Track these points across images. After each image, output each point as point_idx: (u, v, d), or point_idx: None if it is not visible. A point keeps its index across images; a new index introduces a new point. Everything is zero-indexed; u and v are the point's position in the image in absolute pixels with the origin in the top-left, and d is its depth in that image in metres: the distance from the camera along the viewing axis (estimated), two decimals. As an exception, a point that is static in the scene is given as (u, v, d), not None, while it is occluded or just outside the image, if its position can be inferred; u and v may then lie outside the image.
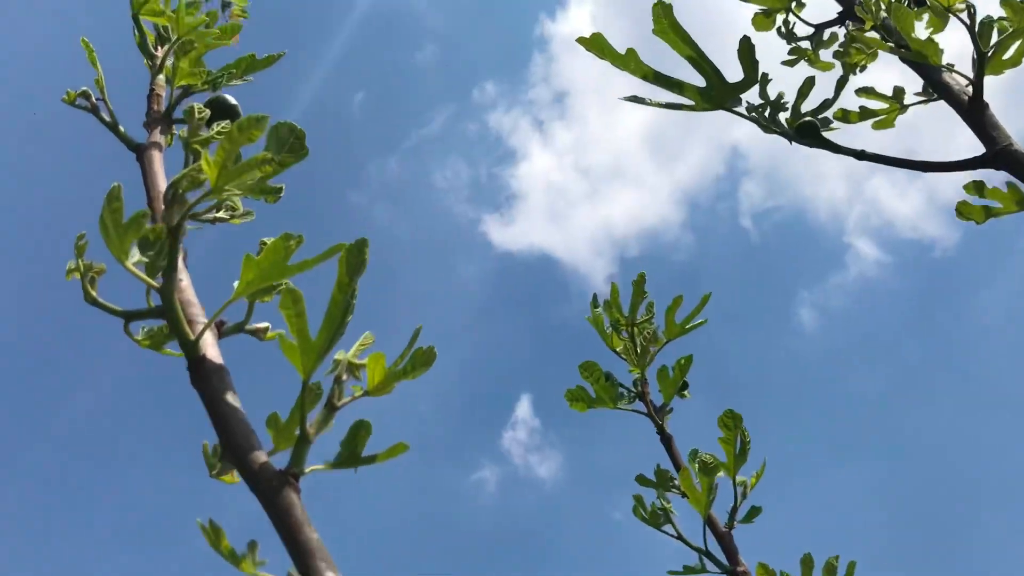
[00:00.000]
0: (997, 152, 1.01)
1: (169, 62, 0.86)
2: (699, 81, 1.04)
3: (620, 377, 1.42)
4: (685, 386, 1.39)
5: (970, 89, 1.06)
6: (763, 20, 1.50)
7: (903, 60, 1.17)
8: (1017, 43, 1.03)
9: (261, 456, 0.52)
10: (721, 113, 1.06)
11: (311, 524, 0.49)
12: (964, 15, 1.04)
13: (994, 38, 1.02)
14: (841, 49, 1.46)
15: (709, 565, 1.23)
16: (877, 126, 1.28)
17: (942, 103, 1.14)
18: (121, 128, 0.80)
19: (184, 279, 0.62)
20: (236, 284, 0.57)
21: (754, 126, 1.10)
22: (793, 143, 1.11)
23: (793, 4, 1.51)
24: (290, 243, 0.55)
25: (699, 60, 1.02)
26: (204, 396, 0.55)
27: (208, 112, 0.72)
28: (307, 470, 0.52)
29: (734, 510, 1.25)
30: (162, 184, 0.72)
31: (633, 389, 1.41)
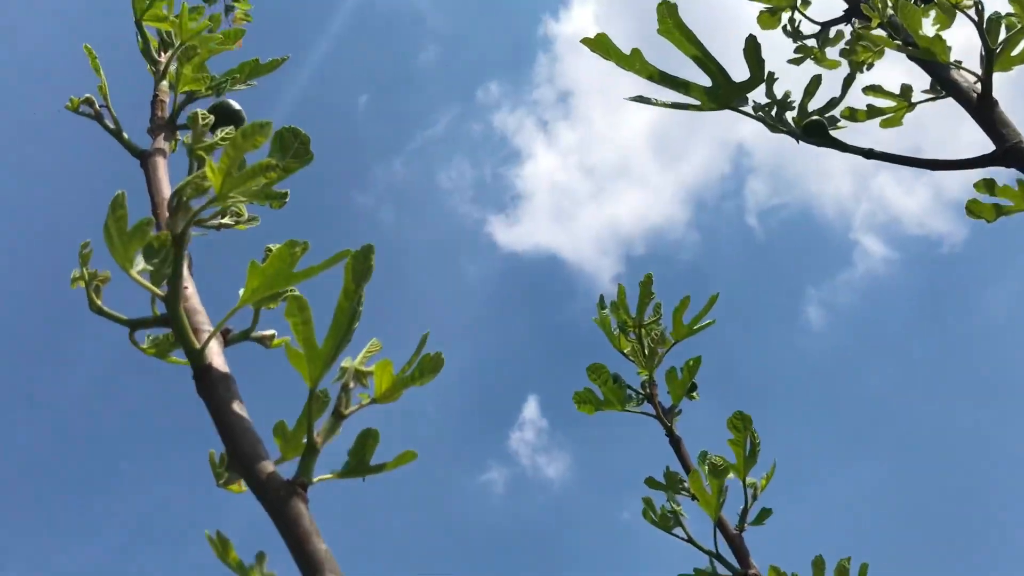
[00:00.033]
0: (1007, 149, 1.01)
1: (172, 68, 0.86)
2: (705, 81, 1.03)
3: (628, 379, 1.41)
4: (694, 387, 1.38)
5: (979, 86, 1.06)
6: (769, 18, 1.50)
7: (910, 58, 1.16)
8: (1026, 39, 1.02)
9: (268, 466, 0.51)
10: (725, 111, 1.05)
11: (319, 534, 0.48)
12: (972, 11, 1.03)
13: (1002, 34, 1.02)
14: (848, 47, 1.45)
15: (720, 568, 1.23)
16: (885, 124, 1.27)
17: (948, 100, 1.14)
18: (125, 135, 0.80)
19: (189, 287, 0.62)
20: (242, 291, 0.56)
21: (759, 124, 1.09)
22: (801, 142, 1.10)
23: (799, 2, 1.50)
24: (295, 250, 0.54)
25: (705, 59, 1.01)
26: (210, 405, 0.55)
27: (212, 118, 0.72)
28: (315, 480, 0.52)
29: (744, 512, 1.25)
30: (166, 191, 0.72)
31: (641, 391, 1.40)
